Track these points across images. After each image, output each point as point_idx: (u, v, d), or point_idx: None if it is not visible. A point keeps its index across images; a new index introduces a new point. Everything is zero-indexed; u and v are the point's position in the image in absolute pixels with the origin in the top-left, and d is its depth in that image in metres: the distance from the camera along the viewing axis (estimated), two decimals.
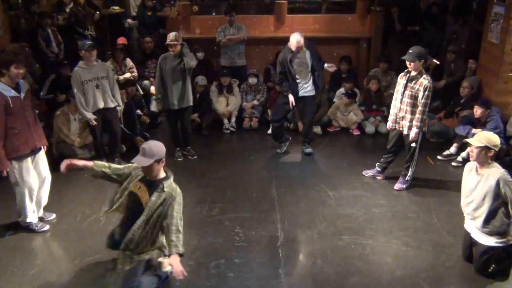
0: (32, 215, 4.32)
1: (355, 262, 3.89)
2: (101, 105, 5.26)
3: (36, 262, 3.89)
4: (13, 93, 3.93)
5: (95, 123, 5.26)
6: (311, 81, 5.68)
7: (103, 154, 5.60)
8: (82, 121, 5.70)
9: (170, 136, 5.97)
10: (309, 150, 6.01)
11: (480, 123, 5.65)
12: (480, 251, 3.66)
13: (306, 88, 5.71)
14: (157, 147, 3.27)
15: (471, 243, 3.79)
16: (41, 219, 4.47)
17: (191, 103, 5.71)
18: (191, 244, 4.11)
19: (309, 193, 5.03)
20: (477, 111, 5.56)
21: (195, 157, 5.91)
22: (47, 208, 4.55)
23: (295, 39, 5.44)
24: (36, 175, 4.25)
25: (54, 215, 4.59)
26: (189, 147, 5.97)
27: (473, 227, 3.72)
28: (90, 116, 5.20)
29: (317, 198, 4.92)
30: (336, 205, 4.78)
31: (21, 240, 4.20)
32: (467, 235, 3.82)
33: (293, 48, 5.50)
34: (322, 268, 3.82)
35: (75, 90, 5.11)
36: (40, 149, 4.27)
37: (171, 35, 5.43)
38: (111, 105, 5.36)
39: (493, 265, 3.62)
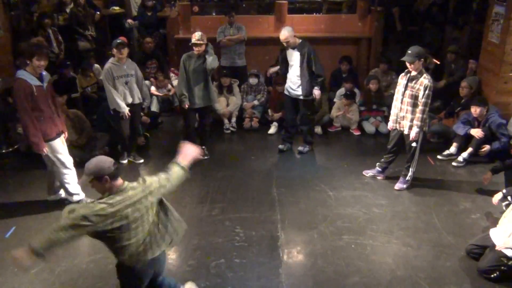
0: (80, 192, 4.65)
1: (355, 262, 3.89)
2: (129, 100, 5.43)
3: (36, 261, 3.89)
4: (37, 82, 4.19)
5: (128, 115, 5.39)
6: (299, 82, 5.59)
7: (124, 150, 5.75)
8: (76, 124, 5.72)
9: (184, 133, 5.98)
10: (301, 148, 6.05)
11: (479, 123, 5.66)
12: (494, 258, 3.64)
13: (294, 89, 5.67)
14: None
15: (485, 247, 3.79)
16: (64, 201, 4.71)
17: (212, 103, 5.76)
18: (191, 244, 4.12)
19: (309, 193, 5.03)
20: (476, 110, 5.57)
21: (207, 157, 5.90)
22: None
23: (281, 37, 5.47)
24: (66, 153, 4.54)
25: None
26: (204, 147, 5.96)
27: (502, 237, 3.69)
28: (124, 108, 5.33)
29: (317, 198, 4.92)
30: (336, 205, 4.78)
31: (22, 240, 4.19)
32: (487, 240, 3.81)
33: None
34: (322, 268, 3.82)
35: (106, 85, 5.30)
36: (62, 133, 4.55)
37: (197, 35, 5.40)
38: (137, 101, 5.53)
39: (497, 272, 3.62)
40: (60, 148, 4.47)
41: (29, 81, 4.12)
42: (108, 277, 3.69)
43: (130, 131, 5.70)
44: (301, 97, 5.65)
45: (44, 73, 4.31)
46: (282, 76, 5.95)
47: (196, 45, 5.37)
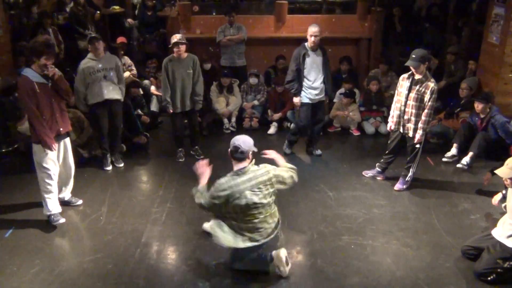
0: (53, 205, 4.40)
1: (355, 263, 3.89)
2: (107, 95, 5.28)
3: (35, 261, 3.89)
4: (40, 79, 4.07)
5: (83, 113, 5.35)
6: (323, 86, 5.54)
7: (108, 150, 5.61)
8: (75, 124, 5.70)
9: (172, 136, 5.97)
10: (319, 151, 6.01)
11: (481, 121, 5.65)
12: (489, 260, 3.64)
13: (318, 94, 5.56)
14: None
15: (479, 248, 3.81)
16: (67, 203, 4.71)
17: (198, 106, 5.67)
18: (191, 244, 4.12)
19: (309, 194, 5.03)
20: (478, 106, 5.60)
21: (202, 157, 5.90)
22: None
23: (314, 30, 5.27)
24: (56, 163, 4.35)
25: (81, 201, 4.80)
26: (196, 147, 5.96)
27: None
28: (83, 108, 5.32)
29: (317, 199, 4.92)
30: (336, 206, 4.78)
31: (21, 240, 4.20)
32: (482, 241, 3.83)
33: (310, 42, 5.34)
34: (322, 268, 3.82)
35: (76, 84, 5.18)
36: (66, 134, 4.41)
37: (178, 35, 5.39)
38: (117, 96, 5.38)
39: (494, 275, 3.62)
40: (48, 154, 4.21)
41: (31, 78, 4.03)
42: (108, 277, 3.70)
43: (112, 131, 5.52)
44: (323, 99, 5.66)
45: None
46: (298, 83, 5.47)
47: (177, 44, 5.28)
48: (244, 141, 3.52)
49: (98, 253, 3.98)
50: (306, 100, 5.56)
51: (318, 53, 5.45)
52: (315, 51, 5.43)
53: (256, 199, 3.48)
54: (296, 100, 5.58)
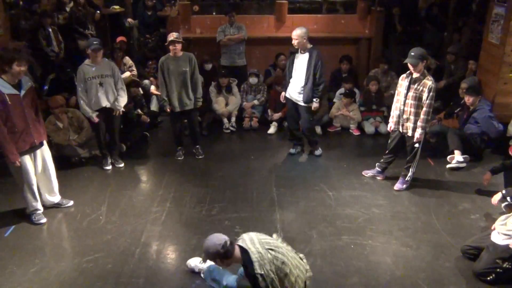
0: (34, 205, 4.41)
1: (355, 262, 3.89)
2: (104, 103, 5.25)
3: (35, 261, 3.89)
4: (12, 90, 3.98)
5: (97, 119, 5.26)
6: (301, 89, 5.46)
7: (107, 153, 5.62)
8: (75, 123, 5.69)
9: (172, 135, 5.98)
10: (319, 151, 5.99)
11: (464, 119, 5.75)
12: (489, 260, 3.64)
13: (296, 94, 5.55)
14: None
15: (479, 248, 3.82)
16: (58, 205, 4.68)
17: (194, 106, 5.65)
18: (191, 244, 4.12)
19: (309, 193, 5.03)
20: (469, 99, 5.70)
21: (202, 156, 5.90)
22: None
23: (293, 33, 5.31)
24: (33, 172, 4.32)
25: (71, 202, 4.76)
26: (197, 146, 5.96)
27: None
28: (91, 113, 5.22)
29: (317, 198, 4.92)
30: (335, 205, 4.78)
31: (21, 239, 4.20)
32: (482, 241, 3.85)
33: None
34: (321, 268, 3.82)
35: (78, 88, 5.15)
36: (40, 144, 4.34)
37: (175, 34, 5.41)
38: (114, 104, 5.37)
39: (493, 275, 3.62)
40: (25, 165, 4.21)
41: (1, 90, 3.91)
42: (108, 277, 3.70)
43: (109, 136, 5.54)
44: (302, 103, 5.57)
45: (25, 79, 4.12)
46: (285, 79, 5.72)
47: (174, 42, 5.30)
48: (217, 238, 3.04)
49: (98, 253, 3.98)
50: (286, 94, 5.72)
51: (305, 56, 5.39)
52: (301, 53, 5.42)
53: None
54: (282, 94, 5.79)
